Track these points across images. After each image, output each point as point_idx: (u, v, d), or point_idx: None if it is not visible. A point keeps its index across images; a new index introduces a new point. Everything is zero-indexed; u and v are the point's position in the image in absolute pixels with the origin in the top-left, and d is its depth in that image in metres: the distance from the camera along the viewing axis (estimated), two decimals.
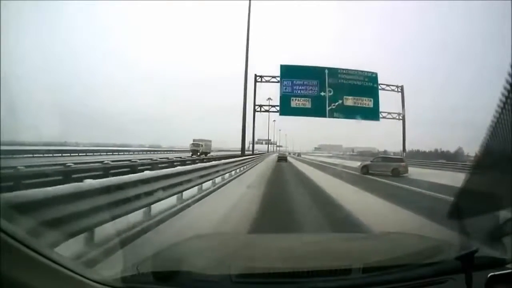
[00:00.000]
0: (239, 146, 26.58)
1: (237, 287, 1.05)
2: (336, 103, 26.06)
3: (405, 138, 27.25)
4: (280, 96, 26.85)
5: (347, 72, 26.56)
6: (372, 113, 26.48)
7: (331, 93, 26.22)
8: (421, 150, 32.08)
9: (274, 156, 36.87)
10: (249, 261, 1.35)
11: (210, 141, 42.22)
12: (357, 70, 26.60)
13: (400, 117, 26.97)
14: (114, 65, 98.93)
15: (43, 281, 0.79)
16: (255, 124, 27.71)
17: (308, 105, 25.98)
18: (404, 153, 27.52)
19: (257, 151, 44.24)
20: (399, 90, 27.59)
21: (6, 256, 0.71)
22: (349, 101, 26.18)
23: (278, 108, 27.09)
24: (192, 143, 38.41)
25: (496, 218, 1.07)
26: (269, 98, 27.60)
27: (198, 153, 34.55)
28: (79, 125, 40.91)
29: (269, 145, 58.53)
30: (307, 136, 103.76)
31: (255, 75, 28.23)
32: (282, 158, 29.08)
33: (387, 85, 27.05)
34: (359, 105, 26.17)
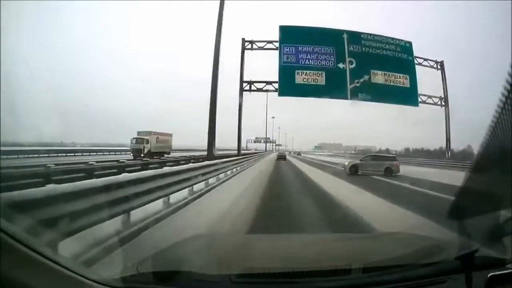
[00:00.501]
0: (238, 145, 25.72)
1: (237, 287, 1.35)
2: (361, 80, 23.36)
3: (449, 131, 25.94)
4: (279, 69, 23.47)
5: (373, 38, 24.00)
6: (410, 96, 24.00)
7: (353, 65, 23.34)
8: (424, 148, 41.02)
9: (273, 156, 44.07)
10: (249, 261, 1.70)
11: (169, 134, 35.41)
12: (387, 37, 24.26)
13: (443, 103, 25.51)
14: (114, 65, 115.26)
15: (43, 281, 0.98)
16: (250, 119, 26.27)
17: (321, 81, 23.10)
18: (449, 153, 26.52)
19: (255, 150, 44.75)
20: (438, 67, 25.71)
21: (6, 256, 0.88)
22: (379, 77, 23.58)
23: (276, 86, 23.84)
24: (134, 138, 31.14)
25: (496, 218, 1.36)
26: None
27: (142, 155, 28.19)
28: (78, 125, 46.58)
29: (268, 144, 64.08)
30: (307, 134, 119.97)
31: (243, 39, 25.23)
32: (281, 157, 40.67)
33: (425, 59, 25.33)
34: (392, 83, 23.68)
